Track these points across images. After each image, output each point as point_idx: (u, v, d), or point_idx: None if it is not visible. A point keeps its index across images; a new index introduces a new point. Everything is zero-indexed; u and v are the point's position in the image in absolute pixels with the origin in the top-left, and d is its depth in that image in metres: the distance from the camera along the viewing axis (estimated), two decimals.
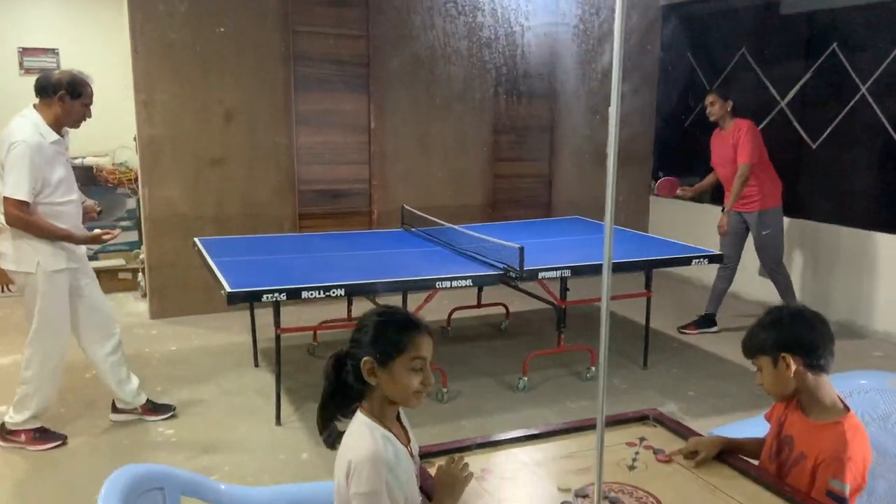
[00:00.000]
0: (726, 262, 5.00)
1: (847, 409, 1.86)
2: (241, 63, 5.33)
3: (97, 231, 3.39)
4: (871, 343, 5.01)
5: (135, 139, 5.38)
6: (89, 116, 3.35)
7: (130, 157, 6.23)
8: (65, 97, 3.22)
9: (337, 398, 1.71)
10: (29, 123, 3.17)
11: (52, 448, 3.37)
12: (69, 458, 3.33)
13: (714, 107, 4.90)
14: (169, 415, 3.72)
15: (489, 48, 6.14)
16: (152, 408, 3.71)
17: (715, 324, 5.18)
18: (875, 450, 2.13)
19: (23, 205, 3.12)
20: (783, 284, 4.97)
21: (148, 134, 5.17)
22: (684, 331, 5.15)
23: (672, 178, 5.25)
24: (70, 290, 3.37)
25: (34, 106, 3.25)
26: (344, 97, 5.72)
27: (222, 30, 5.24)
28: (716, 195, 5.57)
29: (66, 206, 3.30)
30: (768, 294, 5.25)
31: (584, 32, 6.45)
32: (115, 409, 3.67)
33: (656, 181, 5.29)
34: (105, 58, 6.13)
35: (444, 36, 5.96)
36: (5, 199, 3.13)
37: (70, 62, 6.19)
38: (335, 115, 5.71)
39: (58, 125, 3.26)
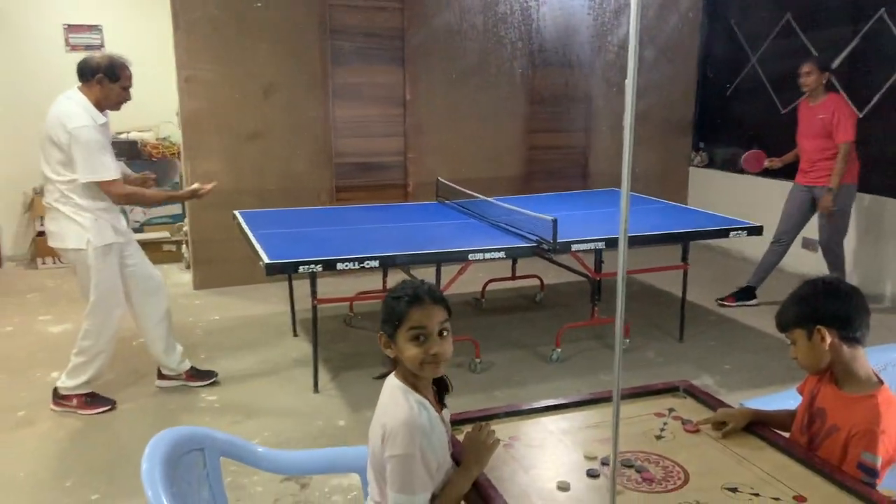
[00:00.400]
0: (782, 236, 4.92)
1: (881, 382, 1.84)
2: (279, 38, 5.38)
3: (195, 185, 3.64)
4: None
5: (177, 114, 5.50)
6: (128, 99, 3.44)
7: (173, 131, 6.36)
8: (103, 80, 3.31)
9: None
10: (80, 108, 3.28)
11: (101, 412, 3.53)
12: (117, 422, 3.48)
13: (810, 77, 4.66)
14: (211, 380, 3.85)
15: (525, 18, 6.07)
16: (196, 374, 3.85)
17: (755, 297, 5.11)
18: None
19: (117, 183, 3.30)
20: (836, 262, 4.85)
21: (189, 109, 5.27)
22: (723, 302, 5.09)
23: (757, 150, 5.07)
24: (120, 262, 3.50)
25: (78, 88, 3.35)
26: (379, 70, 5.74)
27: (260, 4, 5.29)
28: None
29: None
30: (812, 268, 5.17)
31: (619, 5, 6.32)
32: (160, 376, 3.82)
33: (744, 156, 5.08)
34: (148, 34, 6.24)
35: (479, 6, 5.90)
36: (98, 182, 3.28)
37: (114, 39, 6.34)
38: (371, 88, 5.74)
39: (99, 107, 3.36)
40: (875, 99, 5.16)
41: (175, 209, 6.48)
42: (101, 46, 6.36)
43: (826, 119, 4.61)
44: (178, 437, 1.80)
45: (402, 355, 1.70)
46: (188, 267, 5.80)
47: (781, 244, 4.96)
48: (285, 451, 2.10)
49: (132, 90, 3.45)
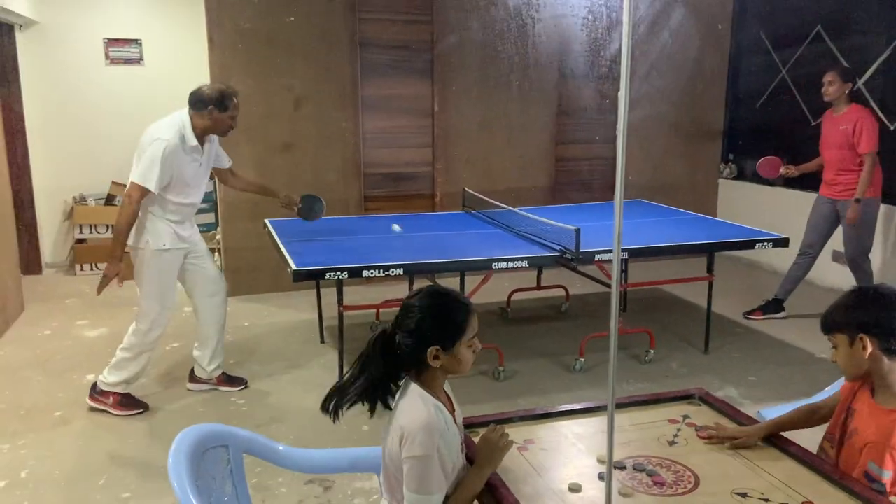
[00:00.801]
0: (807, 249, 4.88)
1: None
2: (310, 51, 5.51)
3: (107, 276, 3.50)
4: None
5: None
6: (234, 126, 3.69)
7: None
8: (214, 111, 3.54)
9: (386, 376, 1.80)
10: (176, 125, 3.51)
11: (134, 414, 3.65)
12: (149, 423, 3.59)
13: (832, 87, 4.64)
14: (242, 387, 3.95)
15: (553, 29, 6.12)
16: (227, 379, 3.96)
17: (783, 309, 5.06)
18: None
19: (143, 192, 3.44)
20: (863, 277, 4.78)
21: None
22: (750, 316, 5.05)
23: (773, 157, 5.04)
24: (183, 266, 3.70)
25: (189, 113, 3.56)
26: (408, 82, 5.83)
27: (292, 19, 5.43)
28: (797, 179, 5.35)
29: (182, 206, 3.62)
30: (843, 281, 5.09)
31: (649, 16, 6.34)
32: (192, 379, 3.93)
33: (758, 161, 5.05)
34: (184, 48, 6.45)
35: (507, 18, 5.98)
36: (133, 183, 3.46)
37: (152, 52, 6.55)
38: (400, 100, 5.84)
39: (203, 133, 3.59)
40: None
41: (209, 217, 6.64)
42: (140, 60, 6.58)
43: (848, 130, 4.57)
44: (203, 434, 1.87)
45: (457, 363, 1.76)
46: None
47: (807, 257, 4.92)
48: (306, 450, 2.16)
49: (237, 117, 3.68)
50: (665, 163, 6.67)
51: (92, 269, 6.26)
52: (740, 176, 6.77)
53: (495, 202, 4.86)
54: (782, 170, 4.99)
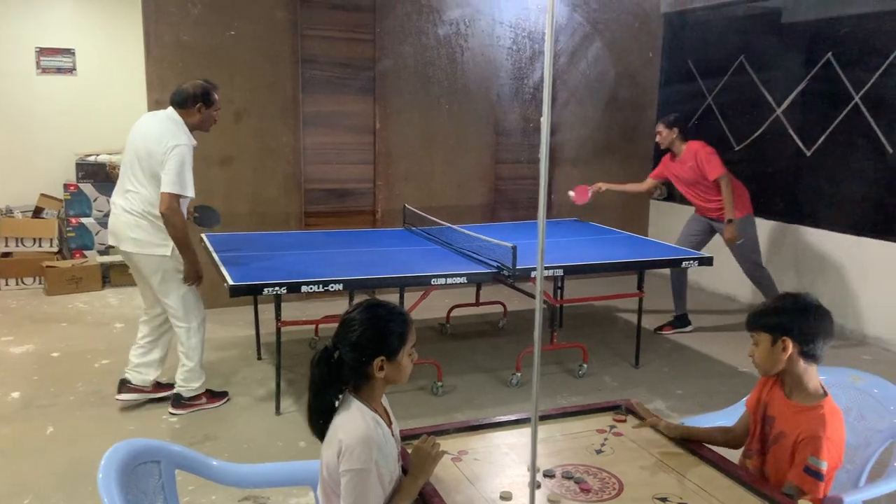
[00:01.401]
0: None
1: (826, 393, 2.00)
2: (251, 65, 5.50)
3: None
4: (862, 347, 5.10)
5: None
6: (216, 121, 3.72)
7: None
8: (202, 108, 3.59)
9: (329, 390, 1.81)
10: (182, 128, 3.54)
11: (225, 402, 3.90)
12: (78, 440, 3.48)
13: (661, 136, 5.05)
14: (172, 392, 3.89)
15: (492, 50, 6.27)
16: (160, 386, 3.93)
17: (689, 323, 5.32)
18: None
19: (179, 201, 3.48)
20: (767, 286, 5.07)
21: None
22: (660, 331, 5.27)
23: (582, 186, 5.35)
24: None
25: (177, 112, 3.57)
26: (350, 99, 5.88)
27: (233, 33, 5.41)
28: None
29: (188, 201, 3.67)
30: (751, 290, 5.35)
31: (582, 39, 6.57)
32: (123, 389, 3.84)
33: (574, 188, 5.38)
34: (120, 58, 6.34)
35: (448, 38, 6.10)
36: (171, 194, 3.44)
37: (86, 62, 6.41)
38: (341, 117, 5.87)
39: (193, 131, 3.61)
40: (821, 139, 5.43)
41: None
42: (73, 70, 6.42)
43: (693, 166, 4.95)
44: (134, 449, 1.85)
45: (399, 372, 1.81)
46: None
47: (683, 267, 5.15)
48: (240, 465, 2.15)
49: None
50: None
51: (17, 284, 6.03)
52: (670, 197, 7.03)
53: (435, 219, 4.94)
54: (589, 193, 5.26)
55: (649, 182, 5.41)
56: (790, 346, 1.95)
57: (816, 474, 1.85)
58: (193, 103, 3.56)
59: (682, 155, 5.03)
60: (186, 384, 3.79)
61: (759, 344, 2.01)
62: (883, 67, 4.95)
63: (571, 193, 5.29)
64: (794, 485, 1.88)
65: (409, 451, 1.93)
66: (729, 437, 2.17)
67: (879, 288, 5.09)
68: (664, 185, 7.12)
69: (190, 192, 3.51)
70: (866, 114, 5.09)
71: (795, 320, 1.97)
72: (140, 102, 5.45)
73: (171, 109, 3.60)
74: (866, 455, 2.25)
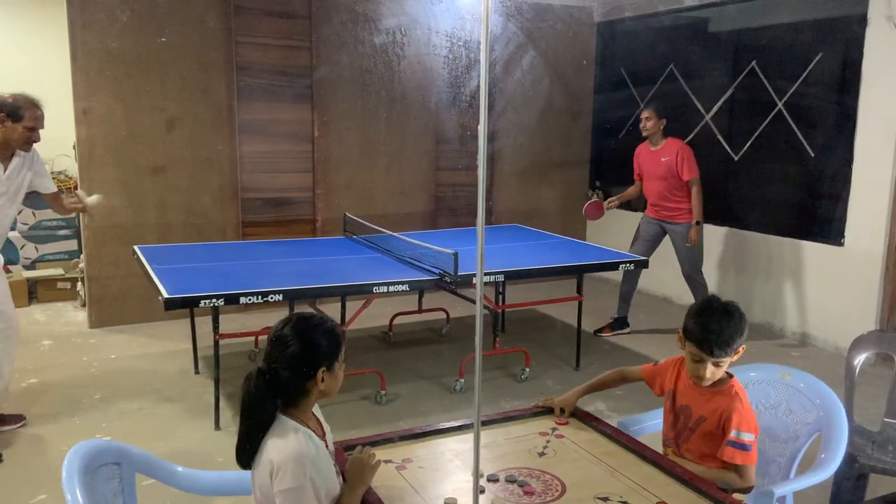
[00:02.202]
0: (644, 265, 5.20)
1: (731, 375, 2.14)
2: (183, 72, 5.37)
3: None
4: (789, 344, 5.32)
5: (74, 147, 5.37)
6: (36, 140, 3.45)
7: (70, 165, 6.19)
8: (5, 120, 3.31)
9: (265, 415, 1.74)
10: None
11: (19, 427, 3.63)
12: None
13: (649, 122, 5.08)
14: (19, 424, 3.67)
15: (429, 59, 6.30)
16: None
17: (628, 325, 5.45)
18: (766, 436, 2.35)
19: None
20: (699, 290, 5.24)
21: (87, 142, 5.16)
22: (600, 334, 5.38)
23: (595, 201, 5.49)
24: None
25: None
26: (287, 107, 5.80)
27: (164, 39, 5.27)
28: (640, 204, 5.82)
29: None
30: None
31: (517, 48, 6.67)
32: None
33: (584, 206, 5.49)
34: (44, 65, 6.09)
35: (385, 45, 6.10)
36: None
37: (8, 69, 6.14)
38: (278, 125, 5.79)
39: (6, 147, 3.36)
40: (748, 144, 5.65)
41: (71, 245, 6.26)
42: None
43: (671, 161, 5.05)
44: (95, 449, 1.83)
45: (335, 382, 1.80)
46: (83, 305, 5.61)
47: (635, 272, 5.29)
48: (201, 471, 2.11)
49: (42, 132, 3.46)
50: (537, 190, 6.99)
51: None
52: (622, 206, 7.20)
53: (376, 227, 4.92)
54: (605, 208, 5.42)
55: (639, 184, 5.40)
56: (742, 351, 2.08)
57: (743, 446, 2.00)
58: None
59: (661, 148, 5.08)
60: None
61: (721, 365, 2.06)
62: (803, 75, 5.19)
63: (583, 210, 5.39)
64: (725, 461, 2.01)
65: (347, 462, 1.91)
66: (623, 382, 2.43)
67: (805, 287, 5.32)
68: (600, 190, 7.30)
69: None
70: (789, 120, 5.33)
71: (744, 330, 2.07)
72: (67, 109, 5.24)
73: None
74: (795, 448, 2.34)
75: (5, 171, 3.41)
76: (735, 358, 2.08)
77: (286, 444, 1.69)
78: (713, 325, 2.03)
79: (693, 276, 5.24)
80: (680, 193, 5.09)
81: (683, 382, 2.18)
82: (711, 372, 2.06)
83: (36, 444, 3.54)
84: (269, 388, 1.73)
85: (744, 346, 2.08)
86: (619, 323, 5.45)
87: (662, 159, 5.09)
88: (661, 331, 5.49)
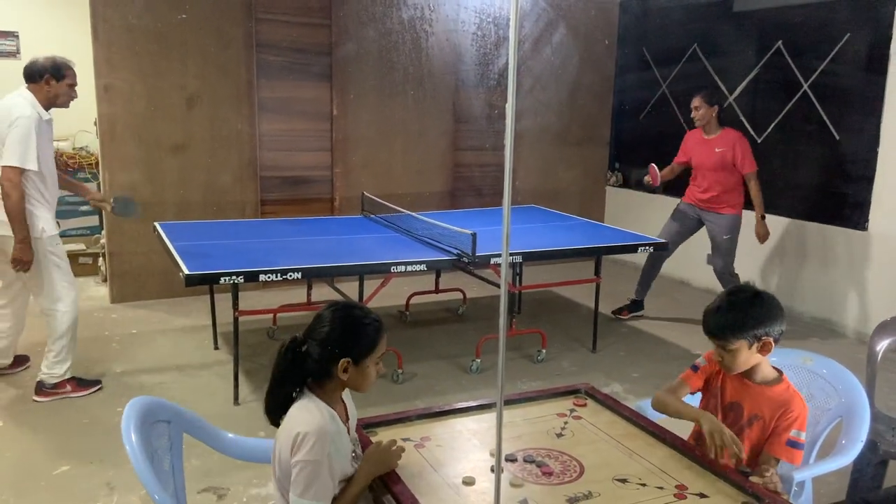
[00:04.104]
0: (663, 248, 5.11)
1: (780, 371, 2.08)
2: (203, 50, 5.37)
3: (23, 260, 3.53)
4: (812, 329, 5.27)
5: (95, 124, 5.40)
6: (75, 97, 3.68)
7: (91, 141, 6.23)
8: (50, 80, 3.53)
9: (291, 382, 1.80)
10: (27, 102, 3.49)
11: (93, 392, 3.81)
12: (34, 425, 3.39)
13: (699, 111, 4.88)
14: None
15: (452, 37, 6.25)
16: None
17: (643, 307, 5.38)
18: None
19: (22, 173, 3.42)
20: (730, 283, 5.14)
21: (108, 118, 5.19)
22: (619, 316, 5.33)
23: (652, 167, 5.12)
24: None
25: (27, 88, 3.56)
26: (306, 85, 5.79)
27: (184, 16, 5.27)
28: (669, 187, 5.75)
29: (50, 178, 3.62)
30: (716, 282, 5.48)
31: (539, 32, 6.59)
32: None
33: (648, 170, 5.15)
34: (66, 41, 6.08)
35: (406, 24, 6.05)
36: (10, 167, 3.39)
37: (30, 46, 6.17)
38: (297, 103, 5.78)
39: (48, 106, 3.58)
40: (771, 126, 5.56)
41: (92, 220, 6.32)
42: (17, 53, 6.19)
43: (726, 153, 4.85)
44: (151, 405, 1.92)
45: (362, 379, 1.81)
46: (105, 280, 5.68)
47: (662, 256, 5.20)
48: (250, 438, 2.19)
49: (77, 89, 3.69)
50: (556, 171, 6.94)
51: None
52: (625, 184, 7.15)
53: (394, 206, 4.91)
54: (658, 175, 5.11)
55: (676, 168, 5.20)
56: (772, 346, 1.97)
57: (800, 446, 1.96)
58: (41, 77, 3.52)
59: (717, 137, 4.87)
60: (48, 370, 3.72)
61: (731, 350, 1.97)
62: (831, 56, 5.09)
63: (647, 178, 5.09)
64: (775, 458, 1.97)
65: (373, 439, 1.93)
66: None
67: (828, 271, 5.26)
68: (619, 172, 7.22)
69: (31, 166, 3.43)
70: (815, 101, 5.23)
71: (767, 318, 1.96)
72: (88, 86, 5.26)
73: (22, 87, 3.58)
74: (815, 433, 2.32)
75: (52, 130, 3.66)
76: (758, 347, 1.96)
77: (312, 417, 1.73)
78: (712, 307, 2.02)
79: (726, 273, 5.06)
80: (733, 186, 4.90)
81: (731, 380, 2.08)
82: (721, 356, 1.99)
83: (55, 418, 3.60)
84: (297, 359, 1.78)
85: (770, 337, 1.96)
86: (636, 305, 5.41)
87: (717, 150, 4.86)
88: (679, 315, 5.45)
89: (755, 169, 4.86)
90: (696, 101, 4.92)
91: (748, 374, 2.05)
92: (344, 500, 1.76)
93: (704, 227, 5.13)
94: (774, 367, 2.08)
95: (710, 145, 4.94)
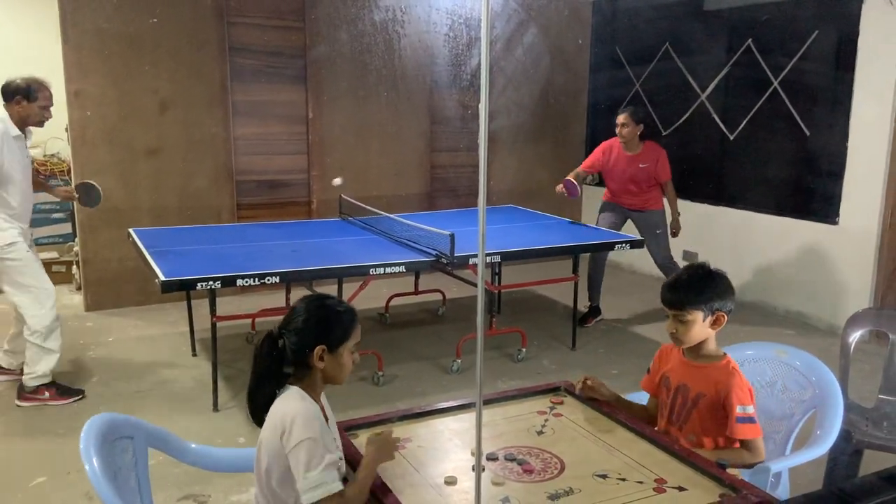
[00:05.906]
0: (602, 251, 5.08)
1: (724, 353, 2.14)
2: (176, 53, 5.32)
3: None
4: (785, 323, 5.35)
5: (66, 130, 5.32)
6: (49, 117, 3.77)
7: (62, 147, 6.13)
8: (21, 101, 3.64)
9: (272, 377, 1.80)
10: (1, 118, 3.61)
11: (76, 400, 3.78)
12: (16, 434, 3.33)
13: (626, 128, 4.91)
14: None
15: (424, 38, 6.25)
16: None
17: (600, 311, 5.30)
18: (762, 413, 2.37)
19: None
20: (673, 272, 5.20)
21: (79, 124, 5.12)
22: (585, 325, 5.13)
23: (567, 180, 5.14)
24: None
25: (3, 106, 3.69)
26: (281, 88, 5.76)
27: (156, 20, 5.21)
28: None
29: (14, 188, 3.64)
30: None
31: (512, 32, 6.62)
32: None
33: (563, 184, 5.17)
34: (35, 46, 6.00)
35: (378, 26, 6.04)
36: None
37: None
38: (273, 106, 5.75)
39: (21, 124, 3.68)
40: (743, 123, 5.64)
41: (65, 228, 6.23)
42: None
43: (649, 168, 4.96)
44: (110, 422, 1.86)
45: (339, 368, 1.81)
46: (79, 288, 5.60)
47: (601, 257, 5.24)
48: (217, 448, 2.14)
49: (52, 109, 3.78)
50: (533, 170, 6.97)
51: None
52: (601, 182, 7.18)
53: (372, 209, 4.90)
54: (576, 184, 5.11)
55: (583, 175, 5.28)
56: (724, 320, 2.05)
57: (750, 419, 2.00)
58: (12, 97, 3.63)
59: (640, 153, 4.98)
60: (28, 371, 3.73)
61: (687, 321, 2.05)
62: (800, 53, 5.17)
63: (562, 190, 5.08)
64: (737, 439, 2.01)
65: (354, 441, 1.93)
66: (645, 417, 2.24)
67: (800, 265, 5.34)
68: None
69: None
70: (785, 98, 5.31)
71: (722, 294, 2.06)
72: (58, 94, 5.17)
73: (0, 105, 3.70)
74: (791, 425, 2.36)
75: (27, 147, 3.75)
76: (711, 321, 2.04)
77: (295, 404, 1.74)
78: (670, 280, 2.12)
79: (667, 263, 5.16)
80: (650, 191, 5.06)
81: (675, 361, 2.17)
82: (675, 328, 2.07)
83: (33, 427, 3.54)
84: (275, 355, 1.79)
85: (723, 312, 2.04)
86: (596, 311, 5.28)
87: (641, 165, 4.97)
88: (656, 311, 5.50)
89: (670, 177, 5.03)
90: (622, 118, 4.96)
91: (693, 354, 2.12)
92: (356, 485, 1.72)
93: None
94: (722, 351, 2.14)
95: (634, 161, 5.00)
